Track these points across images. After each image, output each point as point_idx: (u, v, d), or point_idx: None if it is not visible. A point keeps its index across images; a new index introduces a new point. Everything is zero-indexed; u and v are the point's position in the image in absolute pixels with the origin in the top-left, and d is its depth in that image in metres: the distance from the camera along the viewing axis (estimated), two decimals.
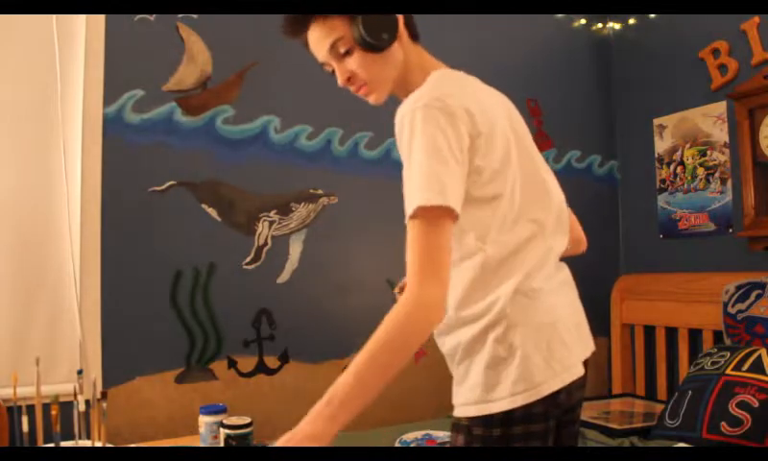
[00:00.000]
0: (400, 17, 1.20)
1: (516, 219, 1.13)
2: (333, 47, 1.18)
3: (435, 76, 1.16)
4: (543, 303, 1.12)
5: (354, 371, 1.00)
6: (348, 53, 1.18)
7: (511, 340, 1.08)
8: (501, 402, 1.07)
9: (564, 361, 1.11)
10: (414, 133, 1.05)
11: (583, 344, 1.20)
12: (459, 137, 1.05)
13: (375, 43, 1.16)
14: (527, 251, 1.13)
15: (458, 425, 1.13)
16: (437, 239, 1.02)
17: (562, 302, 1.18)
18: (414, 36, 1.25)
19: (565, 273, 1.25)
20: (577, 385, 1.15)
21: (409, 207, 1.03)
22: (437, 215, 1.02)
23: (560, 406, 1.12)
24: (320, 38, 1.18)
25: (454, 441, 1.13)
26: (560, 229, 1.23)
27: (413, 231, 1.03)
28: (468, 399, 1.11)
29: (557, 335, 1.12)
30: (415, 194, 1.02)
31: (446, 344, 1.17)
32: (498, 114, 1.17)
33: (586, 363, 1.20)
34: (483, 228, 1.12)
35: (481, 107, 1.11)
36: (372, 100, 1.24)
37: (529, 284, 1.11)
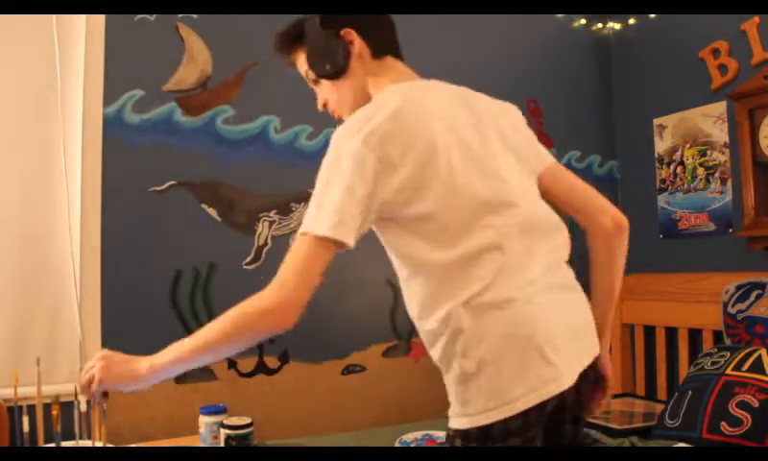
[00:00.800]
0: (356, 40, 1.23)
1: (459, 231, 1.08)
2: (306, 77, 1.30)
3: (378, 96, 1.17)
4: (518, 313, 1.07)
5: (197, 342, 1.09)
6: (316, 81, 1.29)
7: (479, 355, 1.05)
8: (475, 418, 1.06)
9: (543, 375, 1.05)
10: (328, 155, 1.11)
11: (581, 350, 1.16)
12: (368, 163, 1.05)
13: (322, 73, 1.25)
14: (484, 260, 1.07)
15: (447, 434, 1.14)
16: (309, 259, 1.09)
17: (548, 309, 1.10)
18: (377, 53, 1.25)
19: (562, 275, 1.20)
20: (570, 391, 1.10)
21: (301, 226, 1.09)
22: (317, 239, 1.07)
23: (545, 414, 1.08)
24: (300, 69, 1.32)
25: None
26: (542, 228, 1.17)
27: (295, 243, 1.10)
28: (452, 410, 1.12)
29: (533, 347, 1.06)
30: (306, 218, 1.09)
31: (433, 356, 1.17)
32: (441, 127, 1.11)
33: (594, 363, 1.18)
34: (420, 245, 1.11)
35: (416, 124, 1.08)
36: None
37: (494, 295, 1.06)
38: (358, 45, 1.23)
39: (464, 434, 1.07)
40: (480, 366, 1.05)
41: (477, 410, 1.05)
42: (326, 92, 1.28)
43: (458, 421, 1.09)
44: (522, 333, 1.06)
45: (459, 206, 1.09)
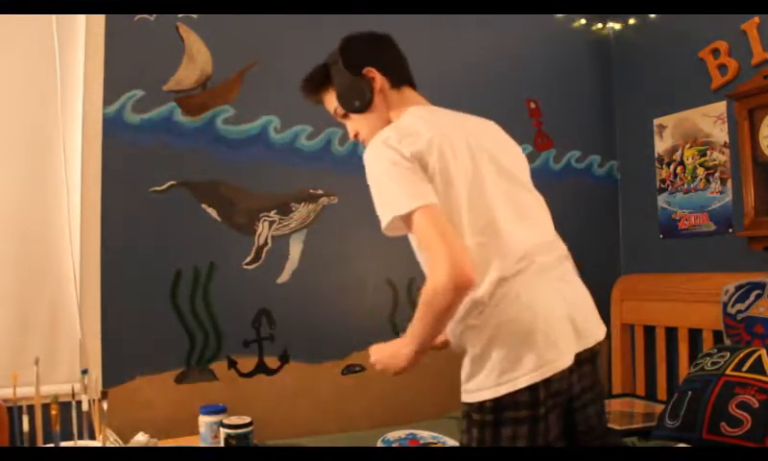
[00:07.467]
0: (376, 76, 1.43)
1: None
2: (335, 113, 1.50)
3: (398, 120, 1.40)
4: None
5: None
6: (345, 115, 1.49)
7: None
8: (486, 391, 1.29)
9: (544, 356, 1.25)
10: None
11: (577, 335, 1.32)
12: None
13: (352, 109, 1.45)
14: None
15: (463, 411, 1.33)
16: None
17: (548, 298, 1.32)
18: (395, 85, 1.46)
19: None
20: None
21: None
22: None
23: (553, 394, 1.25)
24: (328, 107, 1.52)
25: None
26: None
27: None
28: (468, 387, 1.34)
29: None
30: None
31: None
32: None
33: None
34: None
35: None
36: None
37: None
38: (379, 80, 1.44)
39: (480, 406, 1.26)
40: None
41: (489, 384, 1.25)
42: (357, 125, 1.48)
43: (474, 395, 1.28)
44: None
45: None
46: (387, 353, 1.40)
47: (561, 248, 1.40)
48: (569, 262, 1.40)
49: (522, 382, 1.21)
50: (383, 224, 1.27)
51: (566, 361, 1.25)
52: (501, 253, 1.27)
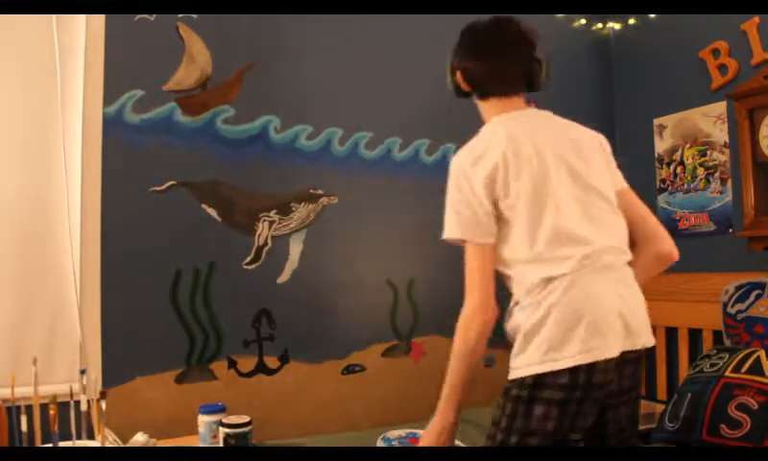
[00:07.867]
0: (461, 83, 1.57)
1: None
2: None
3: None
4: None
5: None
6: None
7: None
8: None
9: (589, 342, 1.29)
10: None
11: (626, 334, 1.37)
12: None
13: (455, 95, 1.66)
14: None
15: (505, 388, 1.41)
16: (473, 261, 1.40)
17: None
18: (481, 96, 1.56)
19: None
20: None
21: None
22: None
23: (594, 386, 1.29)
24: None
25: None
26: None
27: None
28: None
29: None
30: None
31: None
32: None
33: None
34: None
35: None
36: None
37: None
38: (464, 86, 1.58)
39: (521, 382, 1.32)
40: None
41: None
42: None
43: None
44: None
45: None
46: (431, 433, 1.44)
47: (628, 256, 1.45)
48: (632, 270, 1.45)
49: (564, 363, 1.27)
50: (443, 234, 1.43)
51: (611, 352, 1.29)
52: (562, 251, 1.34)
